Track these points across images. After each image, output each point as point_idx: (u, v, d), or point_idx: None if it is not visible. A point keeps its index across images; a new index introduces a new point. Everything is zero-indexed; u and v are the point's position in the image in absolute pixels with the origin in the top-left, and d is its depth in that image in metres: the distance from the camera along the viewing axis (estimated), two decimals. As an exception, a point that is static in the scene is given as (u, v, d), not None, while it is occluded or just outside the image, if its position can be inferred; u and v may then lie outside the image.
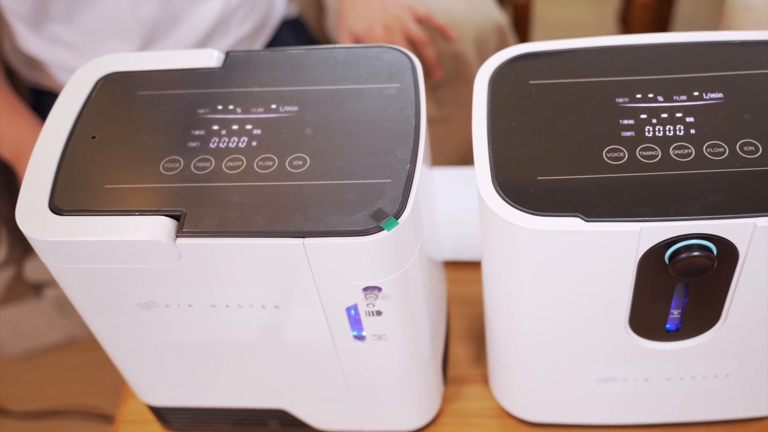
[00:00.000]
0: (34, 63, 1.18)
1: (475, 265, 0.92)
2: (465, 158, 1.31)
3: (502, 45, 1.24)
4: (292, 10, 1.32)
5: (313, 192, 0.56)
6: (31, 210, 0.57)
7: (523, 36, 1.58)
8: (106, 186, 0.58)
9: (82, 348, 1.63)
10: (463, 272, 0.92)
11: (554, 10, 2.28)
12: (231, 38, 1.19)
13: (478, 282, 0.71)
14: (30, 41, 1.12)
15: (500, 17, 1.22)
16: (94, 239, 0.56)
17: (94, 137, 0.62)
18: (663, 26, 1.84)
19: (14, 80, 1.31)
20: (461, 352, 0.85)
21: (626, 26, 1.99)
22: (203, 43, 1.16)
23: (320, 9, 1.41)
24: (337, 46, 0.67)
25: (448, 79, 1.21)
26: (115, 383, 1.25)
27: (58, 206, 0.57)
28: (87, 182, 0.59)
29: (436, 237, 0.77)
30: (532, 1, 1.55)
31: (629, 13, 1.86)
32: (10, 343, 1.58)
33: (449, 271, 0.92)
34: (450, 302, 0.89)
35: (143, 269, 0.58)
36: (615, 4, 2.17)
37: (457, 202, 0.92)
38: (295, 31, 1.32)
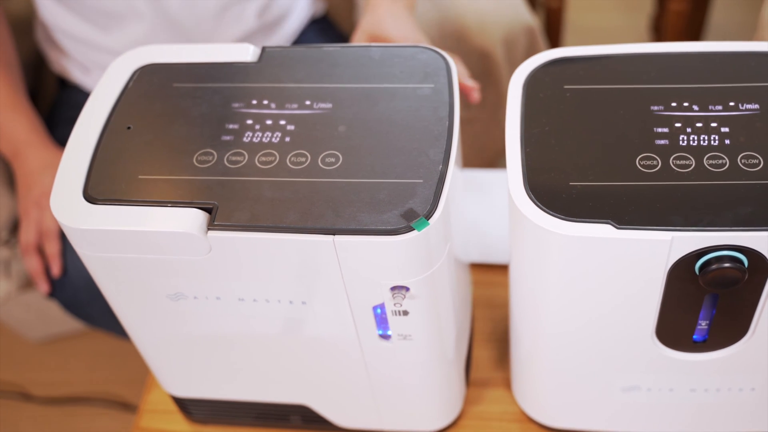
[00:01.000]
0: (62, 49, 1.19)
1: (500, 268, 0.92)
2: (491, 160, 1.31)
3: (531, 47, 1.23)
4: (319, 9, 1.32)
5: (345, 189, 0.56)
6: (66, 198, 0.58)
7: (555, 40, 1.57)
8: (140, 176, 0.59)
9: (107, 335, 1.64)
10: (489, 275, 0.92)
11: (587, 15, 2.27)
12: (239, 29, 1.18)
13: (503, 285, 0.70)
14: (56, 13, 1.13)
15: (530, 19, 1.21)
16: (127, 229, 0.56)
17: (129, 128, 0.62)
18: (696, 34, 1.83)
19: (44, 69, 1.32)
20: (484, 354, 0.85)
21: (659, 34, 1.97)
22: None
23: (351, 5, 1.41)
24: (372, 44, 0.67)
25: (475, 80, 1.21)
26: (139, 372, 1.26)
27: (92, 195, 0.58)
28: (121, 172, 0.59)
29: (464, 239, 0.77)
30: (565, 6, 1.54)
31: (662, 20, 1.84)
32: (34, 327, 1.60)
33: (474, 273, 0.92)
34: (474, 304, 0.89)
35: (173, 260, 0.58)
36: (648, 10, 2.15)
37: (485, 204, 0.92)
38: (323, 31, 1.31)
